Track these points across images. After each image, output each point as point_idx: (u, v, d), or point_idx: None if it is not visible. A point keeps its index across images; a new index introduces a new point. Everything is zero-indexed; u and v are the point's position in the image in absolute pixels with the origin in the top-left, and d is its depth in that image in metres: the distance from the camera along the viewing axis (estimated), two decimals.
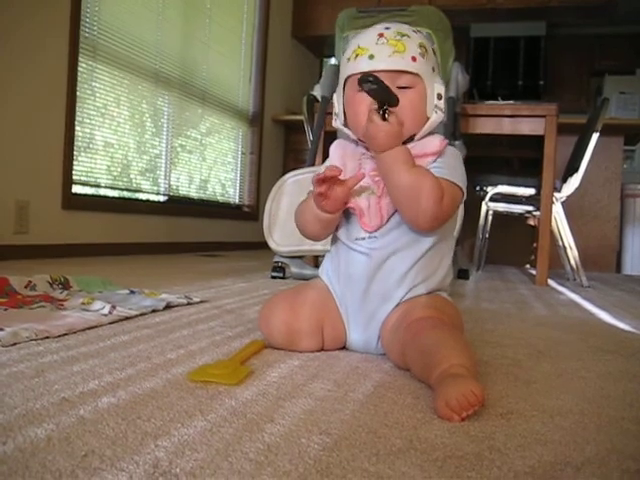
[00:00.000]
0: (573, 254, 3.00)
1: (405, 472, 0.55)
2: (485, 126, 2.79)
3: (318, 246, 2.17)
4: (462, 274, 2.77)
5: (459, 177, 0.99)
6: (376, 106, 0.92)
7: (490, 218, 3.44)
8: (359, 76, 0.92)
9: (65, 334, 1.07)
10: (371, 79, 0.89)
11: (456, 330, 0.93)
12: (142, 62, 3.41)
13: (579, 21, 5.40)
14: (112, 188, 3.28)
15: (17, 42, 2.57)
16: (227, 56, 4.41)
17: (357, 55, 0.98)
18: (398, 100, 0.93)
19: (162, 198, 3.73)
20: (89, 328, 1.14)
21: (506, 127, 2.77)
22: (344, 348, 1.07)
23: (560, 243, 3.10)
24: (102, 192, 3.22)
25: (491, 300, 2.04)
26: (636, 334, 1.46)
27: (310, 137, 2.67)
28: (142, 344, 1.03)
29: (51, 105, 2.76)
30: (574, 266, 2.99)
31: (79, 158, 2.98)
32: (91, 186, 3.12)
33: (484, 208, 3.34)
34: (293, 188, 2.30)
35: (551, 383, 0.92)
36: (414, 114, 0.98)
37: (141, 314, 1.31)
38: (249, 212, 4.74)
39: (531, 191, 3.09)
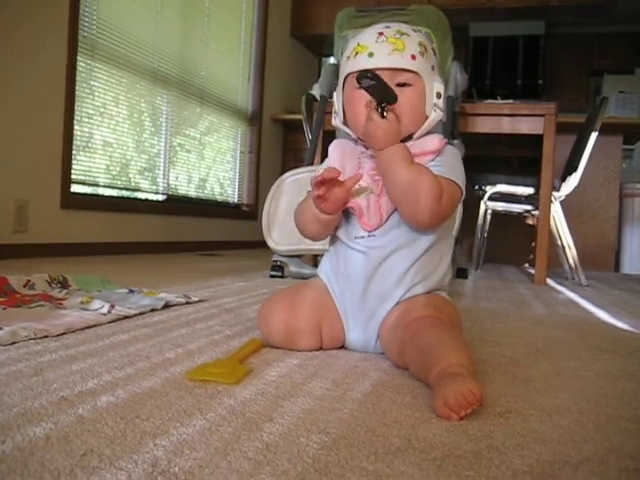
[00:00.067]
0: (572, 253, 3.01)
1: (403, 471, 0.55)
2: (484, 125, 2.79)
3: (317, 245, 2.17)
4: (461, 273, 2.77)
5: (458, 175, 0.99)
6: (374, 104, 0.92)
7: (489, 217, 3.44)
8: (359, 73, 0.92)
9: (64, 333, 1.07)
10: (370, 76, 0.89)
11: (455, 329, 0.93)
12: (141, 61, 3.40)
13: (578, 20, 5.40)
14: (111, 187, 3.28)
15: (17, 42, 2.57)
16: (226, 55, 4.41)
17: (357, 53, 0.98)
18: (396, 97, 0.93)
19: (161, 197, 3.73)
20: (88, 327, 1.14)
21: (505, 126, 2.78)
22: (343, 347, 1.07)
23: (559, 242, 3.10)
24: (101, 191, 3.22)
25: (490, 299, 2.04)
26: (634, 333, 1.46)
27: (309, 136, 2.67)
28: (141, 343, 1.03)
29: (50, 104, 2.76)
30: (573, 265, 3.00)
31: (78, 157, 2.98)
32: (90, 185, 3.12)
33: (483, 207, 3.35)
34: (292, 187, 2.30)
35: (549, 382, 0.92)
36: (413, 112, 0.98)
37: (140, 313, 1.31)
38: (248, 211, 4.74)
39: (530, 190, 3.10)
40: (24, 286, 1.49)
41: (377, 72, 0.91)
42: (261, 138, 4.86)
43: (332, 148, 1.08)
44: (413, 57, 0.96)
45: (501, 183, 3.20)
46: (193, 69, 3.95)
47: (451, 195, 0.96)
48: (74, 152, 2.92)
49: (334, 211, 0.98)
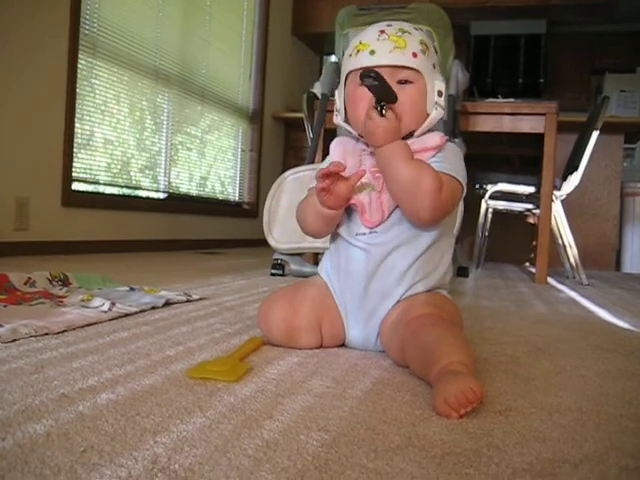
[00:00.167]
0: (573, 252, 3.00)
1: (403, 469, 0.55)
2: (485, 124, 2.79)
3: (318, 243, 2.18)
4: (462, 272, 2.77)
5: (459, 172, 0.99)
6: (374, 102, 0.93)
7: (490, 216, 3.44)
8: (361, 71, 0.92)
9: (64, 331, 1.07)
10: (373, 75, 0.89)
11: (456, 327, 0.93)
12: (142, 59, 3.40)
13: (579, 19, 5.39)
14: (112, 185, 3.28)
15: (17, 41, 2.57)
16: (227, 53, 4.41)
17: (358, 51, 0.98)
18: (396, 98, 0.93)
19: (162, 195, 3.73)
20: (88, 325, 1.14)
21: (506, 125, 2.77)
22: (343, 345, 1.07)
23: (560, 241, 3.10)
24: (102, 189, 3.22)
25: (490, 298, 2.04)
26: (635, 332, 1.46)
27: (310, 134, 2.67)
28: (141, 341, 1.03)
29: (51, 102, 2.76)
30: (573, 264, 2.99)
31: (79, 155, 2.98)
32: (91, 183, 3.12)
33: (484, 206, 3.34)
34: (293, 185, 2.30)
35: (550, 380, 0.92)
36: (414, 110, 0.98)
37: (140, 311, 1.31)
38: (249, 209, 4.74)
39: (531, 189, 3.09)
40: (25, 284, 1.49)
41: (378, 70, 0.91)
42: (262, 136, 4.85)
43: (333, 145, 1.08)
44: (414, 55, 0.96)
45: (502, 182, 3.20)
46: (194, 67, 3.95)
47: (452, 191, 0.97)
48: (75, 150, 2.92)
49: (337, 206, 0.98)
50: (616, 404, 0.80)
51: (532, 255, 3.82)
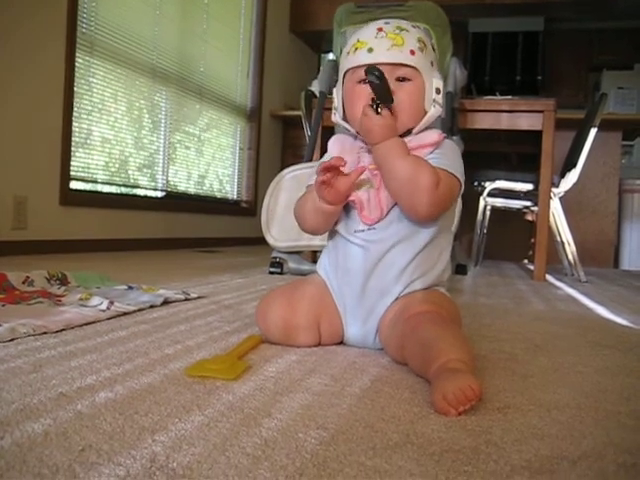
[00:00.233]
0: (571, 249, 3.01)
1: (402, 466, 0.55)
2: (483, 121, 2.79)
3: (316, 241, 2.18)
4: (460, 269, 2.77)
5: (457, 168, 0.99)
6: (371, 100, 0.93)
7: (488, 213, 3.44)
8: (364, 67, 0.94)
9: (63, 329, 1.07)
10: (377, 74, 0.91)
11: (454, 325, 0.93)
12: (139, 57, 3.40)
13: (577, 16, 5.39)
14: (109, 184, 3.27)
15: (17, 42, 2.57)
16: (225, 51, 4.40)
17: (356, 49, 0.99)
18: (392, 101, 0.94)
19: (160, 194, 3.73)
20: (87, 324, 1.14)
21: (504, 122, 2.78)
22: (341, 343, 1.07)
23: (558, 238, 3.10)
24: (100, 188, 3.21)
25: (489, 295, 2.04)
26: (634, 329, 1.46)
27: (308, 132, 2.67)
28: (140, 339, 1.03)
29: (49, 101, 2.76)
30: (572, 261, 3.00)
31: (76, 154, 2.97)
32: (89, 182, 3.12)
33: (482, 203, 3.35)
34: (291, 184, 2.30)
35: (548, 377, 0.92)
36: (412, 107, 0.98)
37: (139, 309, 1.31)
38: (247, 208, 4.73)
39: (529, 186, 3.09)
40: (23, 283, 1.49)
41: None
42: (260, 134, 4.85)
43: (332, 143, 1.08)
44: (412, 52, 0.96)
45: (500, 179, 3.20)
46: (192, 65, 3.94)
47: (449, 187, 0.97)
48: (73, 149, 2.92)
49: (337, 201, 0.98)
50: (614, 401, 0.80)
51: (530, 252, 3.82)
